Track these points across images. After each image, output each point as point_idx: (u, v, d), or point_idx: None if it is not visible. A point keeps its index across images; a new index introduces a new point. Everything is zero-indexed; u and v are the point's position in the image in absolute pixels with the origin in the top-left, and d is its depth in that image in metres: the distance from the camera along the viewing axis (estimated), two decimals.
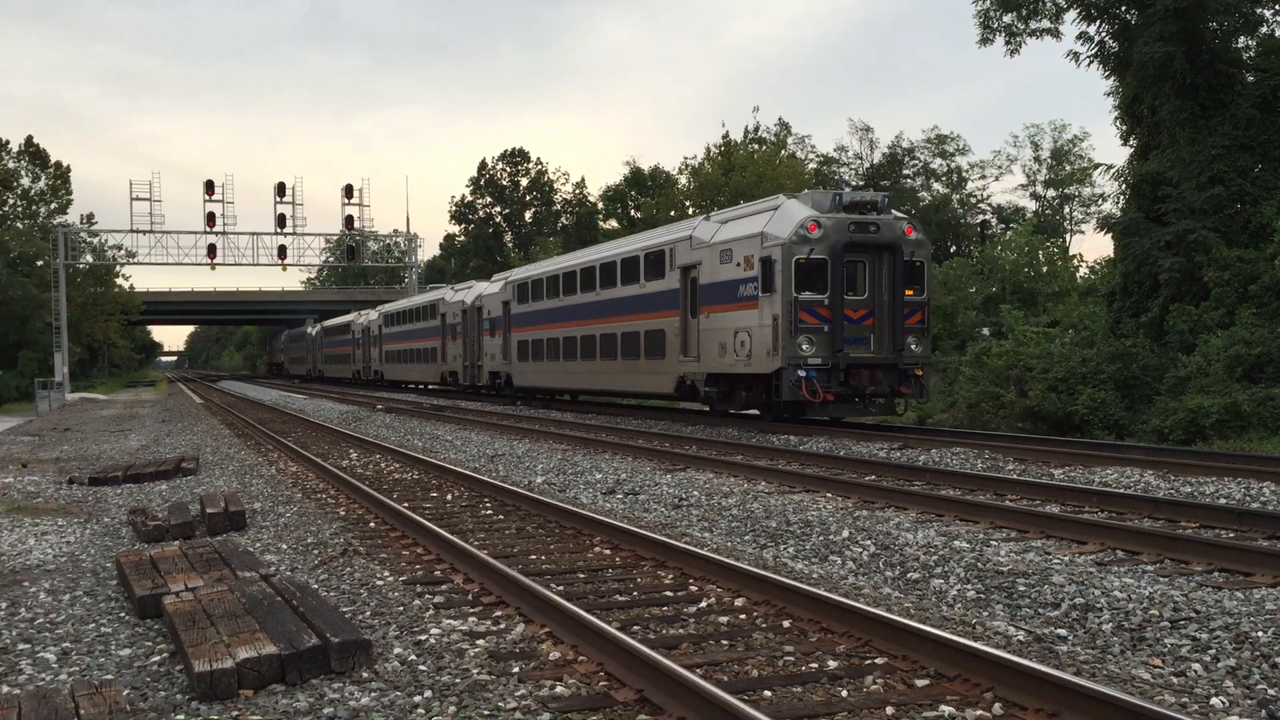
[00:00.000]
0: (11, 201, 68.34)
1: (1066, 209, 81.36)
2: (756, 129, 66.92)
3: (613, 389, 29.32)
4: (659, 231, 28.42)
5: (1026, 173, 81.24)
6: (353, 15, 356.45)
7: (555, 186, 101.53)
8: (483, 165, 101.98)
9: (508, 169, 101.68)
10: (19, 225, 67.48)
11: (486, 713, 5.60)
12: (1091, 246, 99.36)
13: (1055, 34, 27.93)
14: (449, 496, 13.92)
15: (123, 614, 8.00)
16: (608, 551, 9.90)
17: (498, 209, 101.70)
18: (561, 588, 8.25)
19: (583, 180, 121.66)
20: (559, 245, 77.22)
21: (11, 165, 67.17)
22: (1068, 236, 77.20)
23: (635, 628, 7.18)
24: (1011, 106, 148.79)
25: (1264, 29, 25.32)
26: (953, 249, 74.64)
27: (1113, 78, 27.21)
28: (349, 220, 65.59)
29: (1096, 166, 69.13)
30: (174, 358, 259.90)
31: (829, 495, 12.75)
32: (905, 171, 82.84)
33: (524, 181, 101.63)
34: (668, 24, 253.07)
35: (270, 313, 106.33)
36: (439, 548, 9.89)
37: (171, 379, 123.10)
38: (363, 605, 7.97)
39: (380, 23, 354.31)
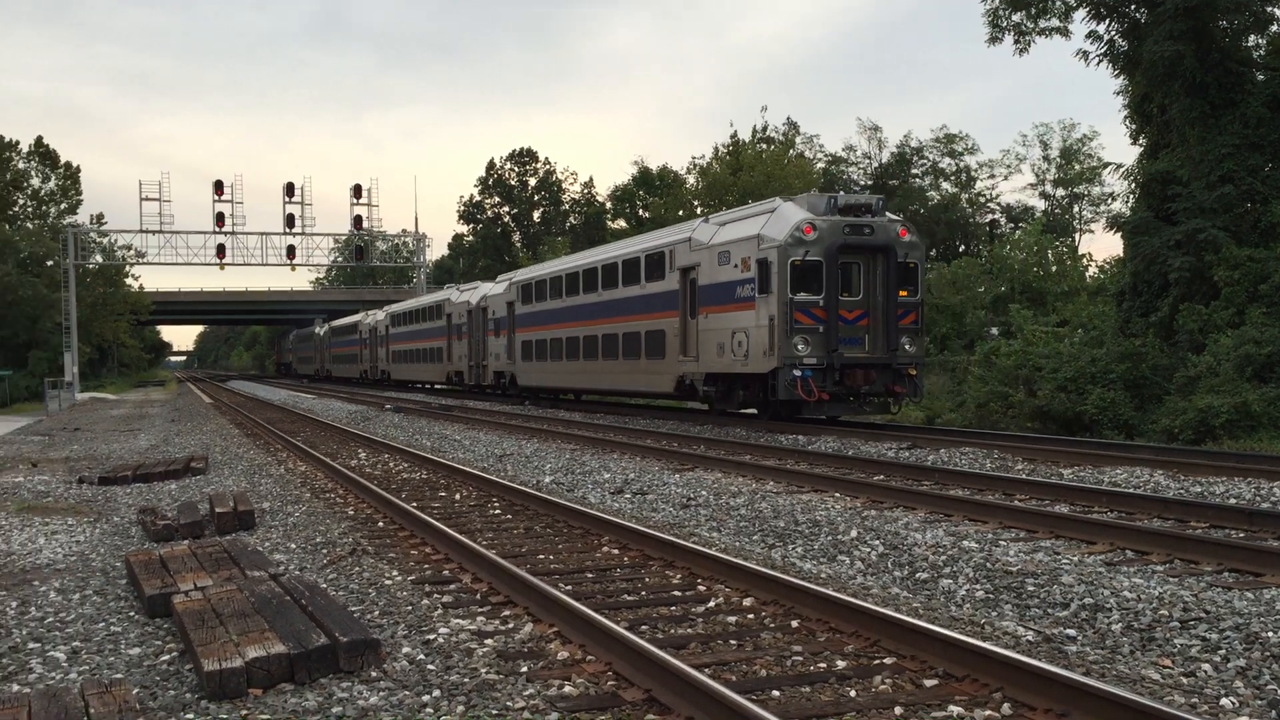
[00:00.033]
0: (22, 202, 68.63)
1: (1076, 208, 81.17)
2: (765, 128, 66.98)
3: (614, 389, 29.62)
4: (659, 233, 28.82)
5: (1035, 172, 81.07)
6: (360, 16, 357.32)
7: (563, 186, 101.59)
8: (491, 165, 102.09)
9: (516, 169, 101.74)
10: (29, 225, 67.77)
11: (495, 712, 5.60)
12: (1101, 246, 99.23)
13: (1064, 33, 27.89)
14: (457, 496, 13.94)
15: (132, 613, 8.02)
16: (616, 551, 9.90)
17: (506, 209, 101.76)
18: (570, 587, 8.25)
19: (591, 180, 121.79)
20: (567, 245, 77.22)
21: (22, 166, 67.46)
22: (1077, 236, 77.04)
23: (643, 627, 7.18)
24: (1020, 106, 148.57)
25: (1274, 27, 25.25)
26: (961, 248, 74.52)
27: (1122, 76, 27.14)
28: (357, 220, 65.73)
29: (1106, 165, 68.91)
30: (183, 358, 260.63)
31: (837, 495, 12.74)
32: (914, 171, 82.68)
33: (532, 181, 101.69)
34: (676, 24, 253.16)
35: (279, 313, 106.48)
36: (447, 547, 9.89)
37: (180, 379, 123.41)
38: (371, 605, 7.98)
39: (388, 23, 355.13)
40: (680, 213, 58.77)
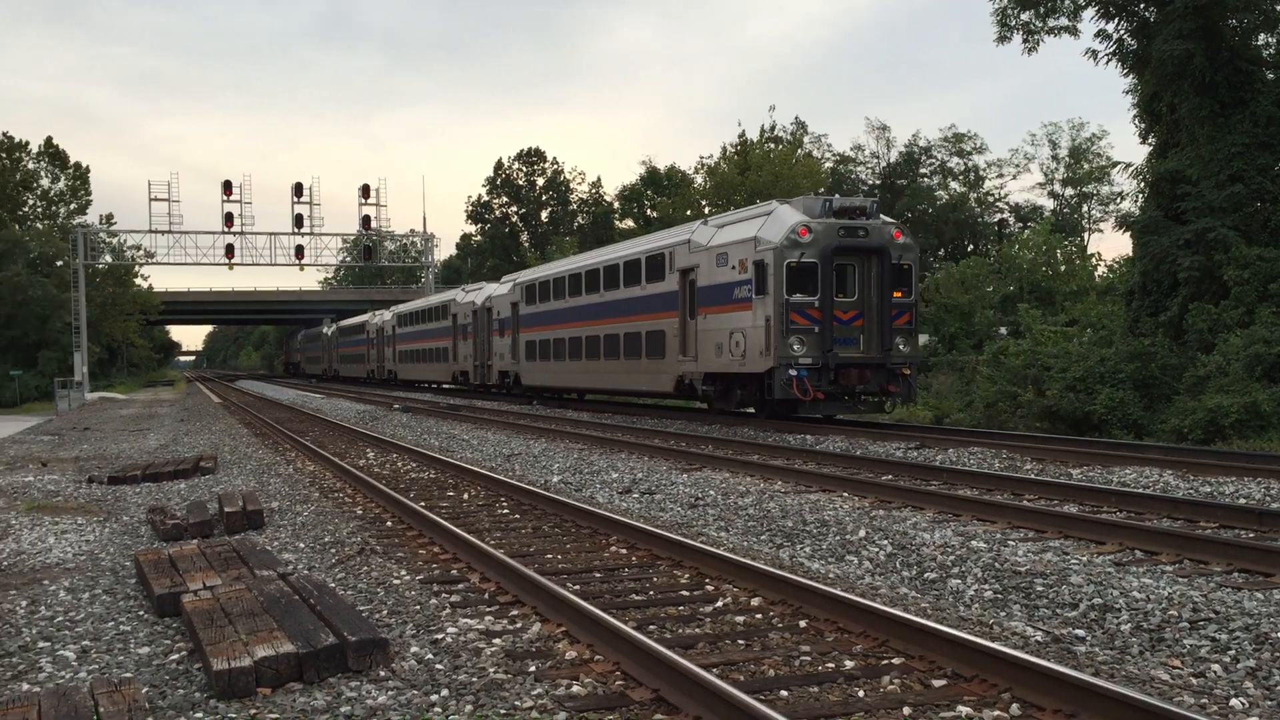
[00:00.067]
0: (31, 202, 68.86)
1: (1085, 207, 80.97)
2: (773, 128, 66.86)
3: (616, 388, 29.95)
4: (659, 235, 29.28)
5: (1044, 171, 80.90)
6: (368, 16, 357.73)
7: (571, 186, 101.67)
8: (499, 165, 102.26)
9: (524, 169, 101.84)
10: (39, 226, 67.97)
11: (503, 711, 5.60)
12: (1110, 245, 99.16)
13: (1073, 31, 27.79)
14: (465, 496, 13.95)
15: (141, 612, 8.04)
16: (624, 551, 9.90)
17: (514, 209, 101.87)
18: (578, 587, 8.25)
19: (599, 180, 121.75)
20: (575, 245, 77.29)
21: (32, 166, 67.69)
22: (1086, 235, 76.84)
23: (651, 627, 7.18)
24: (1029, 105, 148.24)
25: None
26: (970, 248, 74.40)
27: (1131, 75, 27.06)
28: (366, 220, 65.80)
29: (1115, 165, 68.77)
30: (192, 357, 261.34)
31: (845, 495, 12.73)
32: (922, 170, 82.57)
33: (540, 181, 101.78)
34: (683, 24, 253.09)
35: (287, 312, 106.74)
36: (455, 547, 9.91)
37: (190, 379, 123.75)
38: (380, 604, 7.99)
39: (396, 23, 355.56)
40: (688, 212, 58.74)
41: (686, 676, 5.60)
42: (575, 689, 5.94)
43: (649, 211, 73.05)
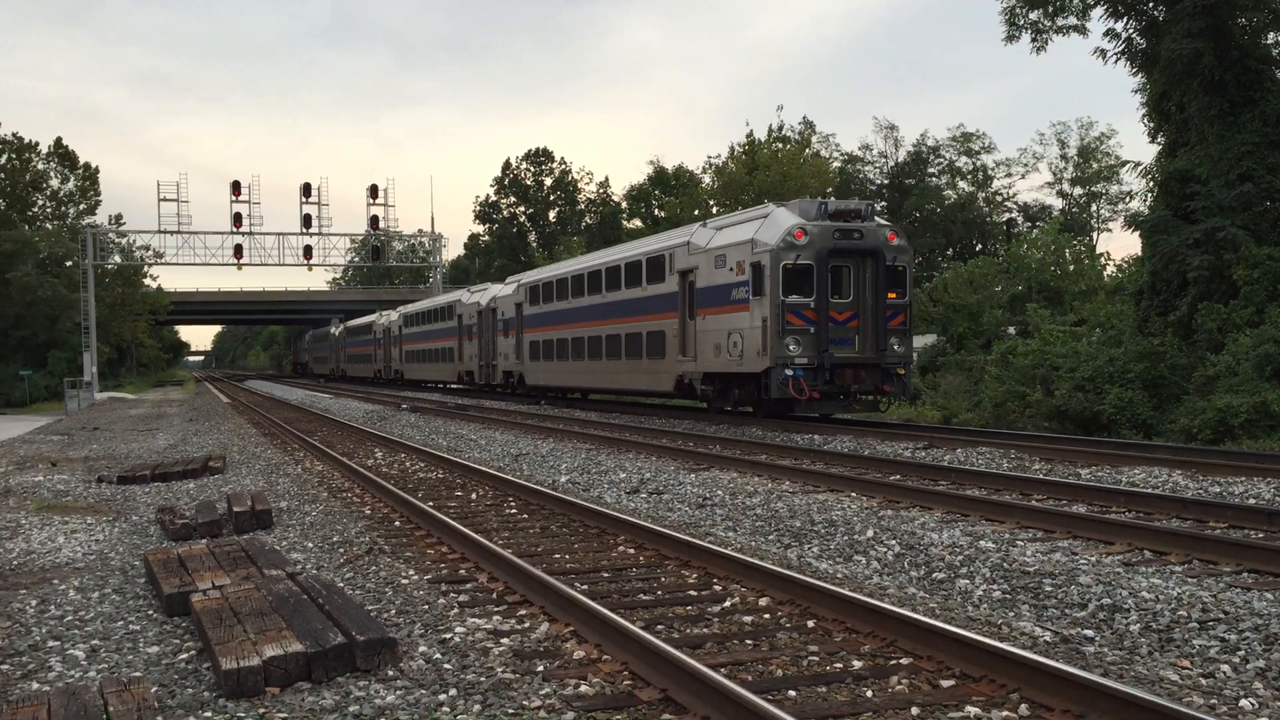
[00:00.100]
0: (41, 202, 69.04)
1: (1093, 207, 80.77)
2: (780, 128, 66.85)
3: (617, 387, 30.35)
4: (660, 237, 29.82)
5: (1053, 170, 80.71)
6: (377, 16, 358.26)
7: (579, 186, 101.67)
8: (507, 165, 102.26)
9: (532, 168, 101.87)
10: (48, 226, 68.14)
11: (511, 711, 5.61)
12: (1119, 244, 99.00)
13: (1082, 30, 27.72)
14: (473, 495, 13.97)
15: (151, 612, 8.06)
16: (632, 551, 9.90)
17: (522, 208, 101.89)
18: (586, 587, 8.26)
19: (606, 180, 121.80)
20: (583, 245, 77.28)
21: (41, 167, 67.85)
22: (1095, 235, 76.67)
23: (659, 627, 7.18)
24: (1037, 104, 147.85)
25: None
26: (978, 247, 74.26)
27: (1140, 74, 26.98)
28: (374, 220, 65.95)
29: (1124, 164, 68.57)
30: (201, 357, 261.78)
31: (853, 495, 12.71)
32: (930, 170, 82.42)
33: (548, 181, 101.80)
34: (691, 23, 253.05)
35: (296, 312, 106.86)
36: (463, 546, 9.92)
37: (199, 378, 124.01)
38: (388, 604, 8.01)
39: (404, 24, 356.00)
40: (696, 212, 58.73)
41: (694, 676, 5.60)
42: (583, 689, 5.95)
43: (657, 211, 73.07)
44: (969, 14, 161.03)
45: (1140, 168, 29.46)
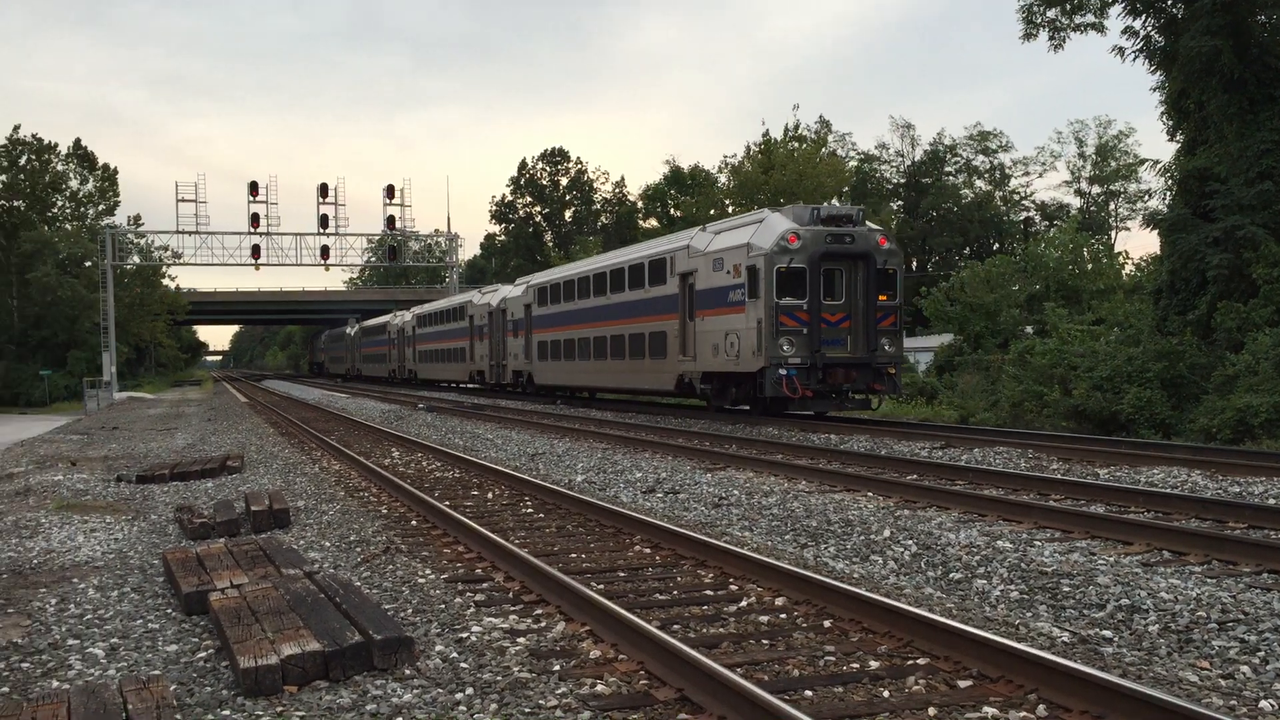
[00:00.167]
0: (61, 203, 69.40)
1: (1111, 205, 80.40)
2: (796, 127, 66.74)
3: (621, 386, 31.29)
4: (661, 241, 30.97)
5: (1071, 169, 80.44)
6: (394, 17, 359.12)
7: (595, 186, 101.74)
8: (523, 165, 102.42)
9: (548, 168, 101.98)
10: (68, 227, 68.53)
11: (528, 710, 5.62)
12: (1137, 243, 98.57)
13: (1100, 29, 27.58)
14: (490, 495, 13.99)
15: (169, 610, 8.10)
16: (648, 550, 9.90)
17: (538, 208, 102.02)
18: (602, 586, 8.27)
19: (622, 179, 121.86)
20: (599, 244, 77.34)
21: (61, 168, 68.20)
22: (1113, 233, 76.33)
23: (675, 627, 7.18)
24: (1055, 102, 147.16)
25: None
26: (996, 246, 74.01)
27: (1159, 72, 26.82)
28: (390, 220, 66.16)
29: (1142, 162, 68.31)
30: (219, 357, 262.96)
31: (870, 494, 12.69)
32: (947, 169, 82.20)
33: (564, 181, 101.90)
34: (707, 23, 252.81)
35: (313, 312, 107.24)
36: (480, 546, 9.94)
37: (217, 378, 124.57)
38: (405, 603, 8.03)
39: (421, 24, 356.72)
40: (712, 212, 58.72)
41: (711, 676, 5.60)
42: (600, 688, 5.95)
43: (673, 211, 73.04)
44: (986, 12, 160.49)
45: (1159, 166, 29.37)
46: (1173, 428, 21.32)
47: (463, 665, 6.39)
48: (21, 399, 56.96)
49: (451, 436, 23.46)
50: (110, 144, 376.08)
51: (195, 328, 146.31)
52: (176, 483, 16.60)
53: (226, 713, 5.71)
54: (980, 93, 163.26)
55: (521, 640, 6.90)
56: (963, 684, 5.89)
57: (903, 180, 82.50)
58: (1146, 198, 72.21)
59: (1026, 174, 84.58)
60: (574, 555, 9.81)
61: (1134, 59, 26.69)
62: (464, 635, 7.04)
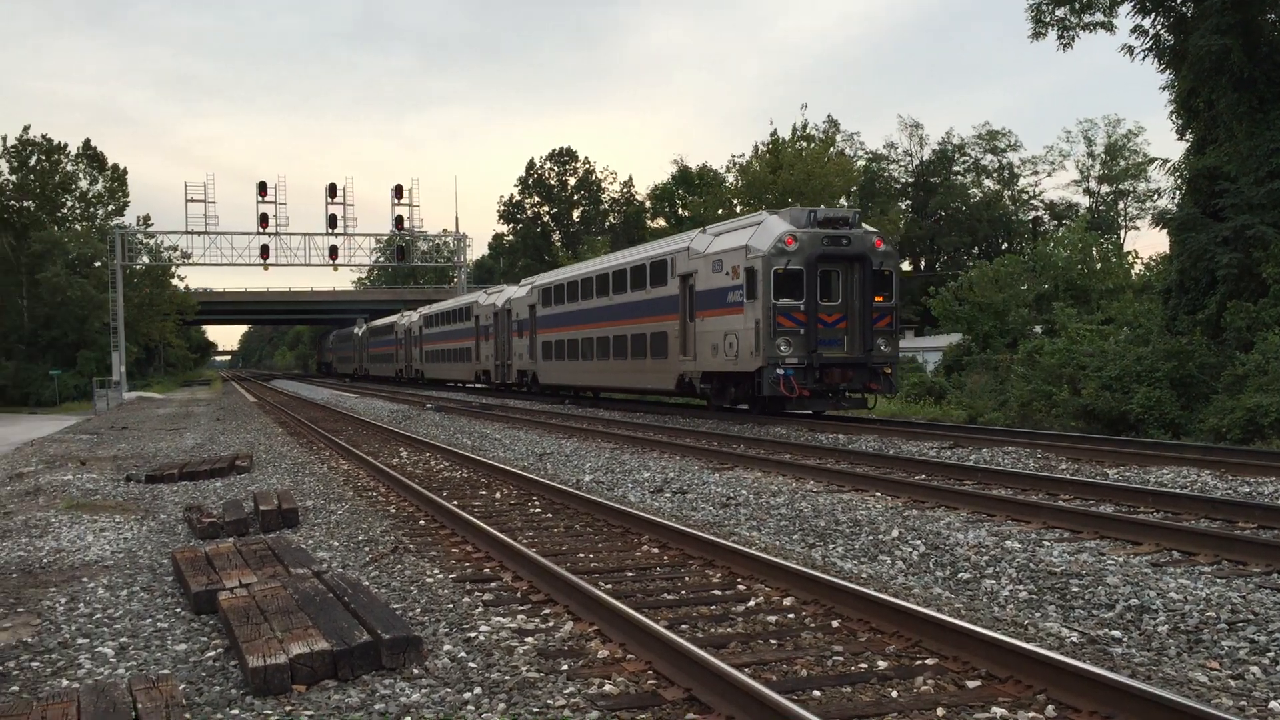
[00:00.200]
0: (70, 204, 69.55)
1: (1121, 205, 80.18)
2: (804, 126, 66.66)
3: (623, 386, 31.74)
4: (662, 243, 31.35)
5: (1080, 168, 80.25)
6: (402, 17, 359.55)
7: (603, 186, 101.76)
8: (531, 165, 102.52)
9: (556, 168, 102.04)
10: (78, 227, 68.68)
11: (536, 710, 5.62)
12: (1147, 243, 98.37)
13: (1109, 27, 27.51)
14: (498, 495, 14.00)
15: (178, 609, 8.12)
16: (656, 550, 9.90)
17: (546, 208, 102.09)
18: (610, 586, 8.27)
19: (630, 179, 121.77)
20: (607, 244, 77.36)
21: (70, 168, 68.35)
22: (1122, 233, 76.11)
23: (683, 626, 7.18)
24: (1064, 101, 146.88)
25: None
26: (1004, 245, 73.87)
27: (1168, 71, 26.74)
28: (399, 220, 66.19)
29: (1151, 161, 68.09)
30: (228, 357, 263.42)
31: (878, 494, 12.67)
32: (956, 168, 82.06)
33: (572, 181, 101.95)
34: (715, 23, 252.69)
35: (322, 312, 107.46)
36: (488, 546, 9.94)
37: (226, 378, 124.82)
38: (413, 602, 8.04)
39: (429, 24, 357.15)
40: (720, 211, 58.67)
41: (719, 676, 5.60)
42: (607, 688, 5.95)
43: (681, 211, 73.01)
44: (994, 11, 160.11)
45: (1168, 165, 29.22)
46: (1182, 428, 21.26)
47: (471, 665, 6.39)
48: (31, 399, 57.13)
49: (459, 436, 23.48)
50: (119, 144, 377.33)
51: (204, 328, 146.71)
52: (185, 482, 16.64)
53: (235, 712, 5.72)
54: (989, 92, 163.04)
55: (529, 640, 6.91)
56: (971, 684, 5.88)
57: (911, 180, 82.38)
58: (1156, 197, 72.08)
59: (1035, 173, 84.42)
60: (582, 555, 9.82)
61: (1143, 58, 26.64)
62: (472, 635, 7.05)
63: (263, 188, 62.49)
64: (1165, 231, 26.87)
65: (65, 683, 6.33)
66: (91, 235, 67.37)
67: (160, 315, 78.22)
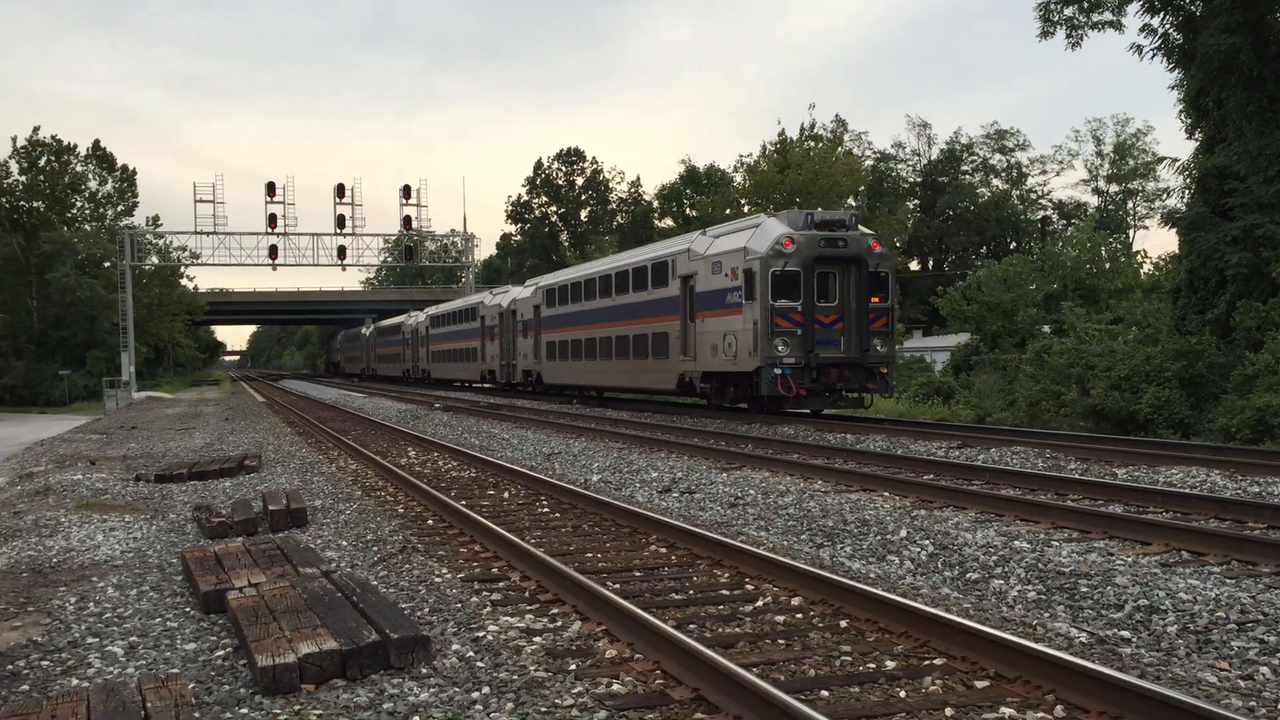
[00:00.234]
0: (80, 204, 69.77)
1: (1129, 204, 80.00)
2: (812, 126, 66.67)
3: (625, 385, 32.16)
4: (664, 244, 32.08)
5: (1088, 168, 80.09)
6: (410, 17, 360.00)
7: (610, 186, 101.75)
8: (539, 165, 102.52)
9: (563, 168, 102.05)
10: (87, 227, 68.89)
11: (544, 709, 5.63)
12: (1155, 242, 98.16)
13: (1118, 26, 27.44)
14: (506, 494, 14.01)
15: (188, 609, 8.14)
16: (664, 550, 9.90)
17: (554, 208, 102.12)
18: (618, 586, 8.27)
19: (638, 179, 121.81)
20: (614, 244, 77.37)
21: (80, 169, 68.55)
22: (1131, 232, 75.94)
23: (691, 626, 7.18)
24: (1072, 101, 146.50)
25: None
26: (1013, 245, 73.74)
27: (1177, 70, 26.66)
28: (407, 220, 66.30)
29: (1160, 160, 67.89)
30: (236, 357, 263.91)
31: (886, 494, 12.66)
32: (964, 168, 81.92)
33: (579, 181, 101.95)
34: (723, 22, 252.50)
35: (330, 312, 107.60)
36: (496, 545, 9.96)
37: (234, 378, 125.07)
38: (421, 602, 8.05)
39: (437, 25, 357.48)
40: (728, 211, 58.67)
41: (727, 676, 5.60)
42: (615, 687, 5.96)
43: (688, 211, 73.01)
44: (1002, 11, 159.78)
45: (1177, 164, 29.12)
46: (1191, 427, 21.21)
47: (479, 664, 6.40)
48: (41, 399, 57.34)
49: (468, 436, 23.51)
50: (128, 145, 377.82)
51: (213, 328, 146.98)
52: (194, 482, 16.68)
53: (244, 711, 5.74)
54: (997, 91, 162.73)
55: (538, 639, 6.92)
56: (980, 684, 5.88)
57: (919, 179, 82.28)
58: (1165, 196, 71.82)
59: (1044, 172, 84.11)
60: (590, 555, 9.82)
61: (1152, 57, 26.56)
62: (480, 634, 7.06)
63: (271, 188, 62.64)
64: (1174, 231, 26.78)
65: (75, 682, 6.36)
66: (101, 236, 67.57)
67: (169, 315, 78.40)
